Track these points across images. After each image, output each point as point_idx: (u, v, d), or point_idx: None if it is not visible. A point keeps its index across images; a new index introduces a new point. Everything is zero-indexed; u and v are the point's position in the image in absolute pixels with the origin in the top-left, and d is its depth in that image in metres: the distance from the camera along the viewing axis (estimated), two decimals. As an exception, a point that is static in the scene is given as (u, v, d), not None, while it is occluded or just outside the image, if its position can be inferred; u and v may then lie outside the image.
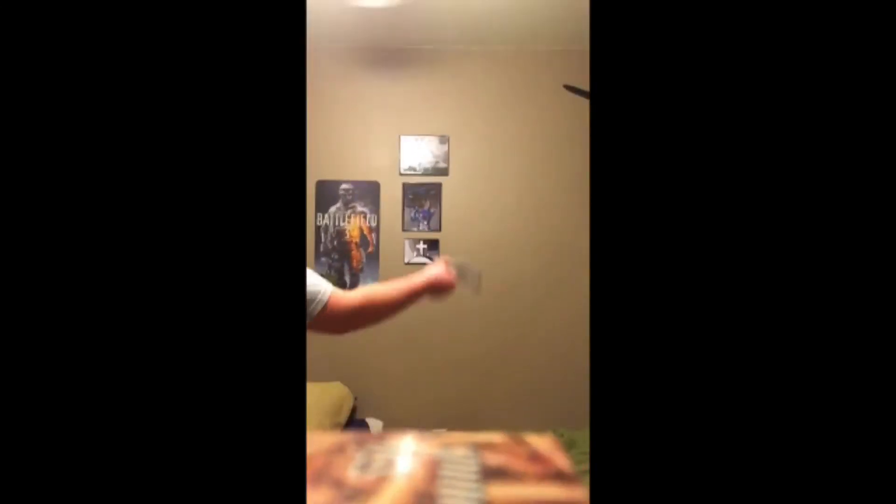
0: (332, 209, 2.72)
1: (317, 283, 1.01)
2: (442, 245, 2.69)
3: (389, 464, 0.26)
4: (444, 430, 2.55)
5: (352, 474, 0.24)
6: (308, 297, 0.98)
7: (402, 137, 2.72)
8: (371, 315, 1.06)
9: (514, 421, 2.62)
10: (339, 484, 0.23)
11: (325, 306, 1.00)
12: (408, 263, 2.70)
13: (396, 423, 2.57)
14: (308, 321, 0.98)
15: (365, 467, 0.25)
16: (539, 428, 2.66)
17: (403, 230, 2.71)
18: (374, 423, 2.52)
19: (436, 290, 1.11)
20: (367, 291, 1.07)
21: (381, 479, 0.24)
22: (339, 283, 2.70)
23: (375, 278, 2.69)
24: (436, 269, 1.12)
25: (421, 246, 2.70)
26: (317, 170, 2.69)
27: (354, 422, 2.49)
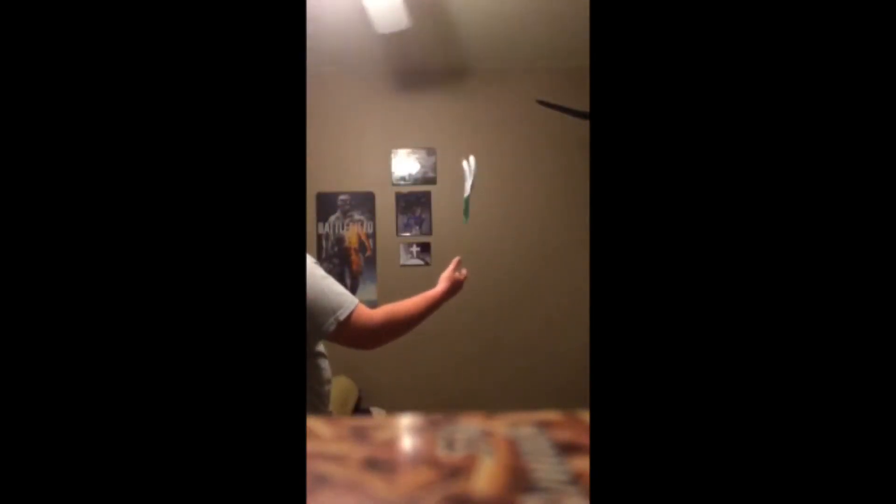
0: (332, 218, 2.97)
1: (341, 293, 1.06)
2: (433, 247, 2.94)
3: (471, 442, 0.26)
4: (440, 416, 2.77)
5: (441, 454, 0.25)
6: (333, 306, 1.04)
7: (394, 150, 2.97)
8: (394, 330, 1.12)
9: (508, 406, 2.87)
10: (435, 463, 0.24)
11: (349, 318, 1.04)
12: (403, 265, 2.95)
13: (399, 411, 2.81)
14: (330, 329, 1.03)
15: (449, 446, 0.25)
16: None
17: (397, 235, 2.96)
18: (378, 412, 2.76)
19: (451, 293, 1.22)
20: (390, 309, 1.12)
21: (470, 457, 0.24)
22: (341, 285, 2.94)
23: (373, 280, 2.94)
24: (446, 275, 1.22)
25: (414, 248, 2.95)
26: (316, 183, 2.95)
27: (360, 410, 2.73)
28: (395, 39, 2.62)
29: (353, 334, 1.06)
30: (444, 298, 1.21)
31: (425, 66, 2.95)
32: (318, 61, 2.83)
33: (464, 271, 1.27)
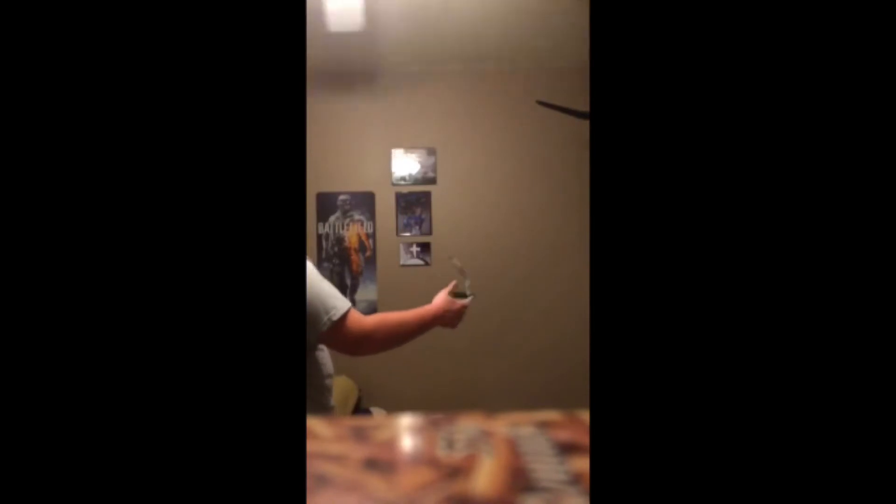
0: (332, 218, 2.97)
1: (336, 295, 1.08)
2: (433, 247, 2.94)
3: (471, 442, 0.26)
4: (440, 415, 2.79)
5: (441, 454, 0.24)
6: (327, 306, 1.05)
7: (393, 150, 2.97)
8: (384, 338, 1.14)
9: (507, 406, 2.87)
10: (435, 463, 0.23)
11: (342, 319, 1.06)
12: (403, 265, 2.95)
13: (399, 410, 2.81)
14: (323, 329, 1.05)
15: (450, 446, 0.25)
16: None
17: (398, 235, 2.96)
18: (378, 412, 2.76)
19: (444, 318, 1.24)
20: (382, 316, 1.16)
21: (471, 457, 0.24)
22: (341, 285, 2.95)
23: (373, 280, 2.94)
24: (440, 300, 1.23)
25: (414, 248, 2.95)
26: (316, 183, 2.94)
27: (360, 410, 2.73)
28: (396, 40, 2.62)
29: (345, 336, 1.08)
30: (438, 317, 1.22)
31: (426, 67, 2.95)
32: (319, 61, 2.83)
33: (464, 302, 1.27)
